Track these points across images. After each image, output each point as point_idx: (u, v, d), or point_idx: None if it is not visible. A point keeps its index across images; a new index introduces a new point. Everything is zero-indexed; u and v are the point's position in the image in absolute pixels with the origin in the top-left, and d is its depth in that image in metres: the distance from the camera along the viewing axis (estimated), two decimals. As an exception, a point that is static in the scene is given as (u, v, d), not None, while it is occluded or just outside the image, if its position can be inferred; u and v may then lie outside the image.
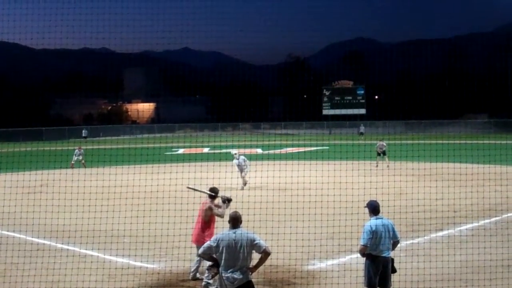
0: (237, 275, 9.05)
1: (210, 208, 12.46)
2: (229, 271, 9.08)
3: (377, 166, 36.19)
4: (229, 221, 9.58)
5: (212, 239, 9.59)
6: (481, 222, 17.96)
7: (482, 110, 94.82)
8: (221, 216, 12.27)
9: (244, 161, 27.64)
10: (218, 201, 12.81)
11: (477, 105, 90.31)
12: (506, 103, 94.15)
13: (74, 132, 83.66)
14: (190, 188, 13.13)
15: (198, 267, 12.71)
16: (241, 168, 27.35)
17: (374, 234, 9.98)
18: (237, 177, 27.14)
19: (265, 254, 9.27)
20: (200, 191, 12.98)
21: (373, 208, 10.40)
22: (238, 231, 9.34)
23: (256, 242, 9.22)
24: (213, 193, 12.88)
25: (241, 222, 9.60)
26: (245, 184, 26.89)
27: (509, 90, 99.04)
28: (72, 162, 39.88)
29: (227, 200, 12.57)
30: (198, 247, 11.89)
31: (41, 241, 16.07)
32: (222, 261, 9.16)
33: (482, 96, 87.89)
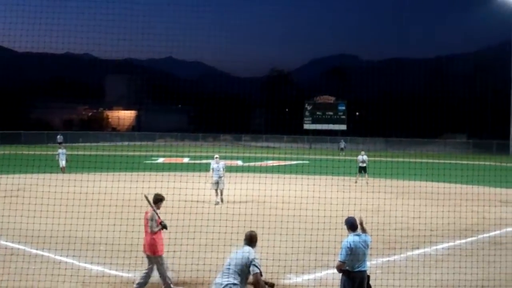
0: None
1: (151, 217, 12.53)
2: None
3: (356, 182, 36.16)
4: (245, 239, 9.78)
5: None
6: (457, 242, 18.06)
7: (461, 131, 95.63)
8: (152, 229, 12.39)
9: (223, 169, 27.42)
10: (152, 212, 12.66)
11: (457, 125, 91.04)
12: (485, 124, 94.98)
13: (53, 136, 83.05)
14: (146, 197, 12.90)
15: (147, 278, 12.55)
16: (218, 175, 26.98)
17: (352, 251, 10.01)
18: (208, 185, 26.95)
19: (254, 278, 9.34)
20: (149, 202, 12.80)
21: (351, 225, 10.44)
22: (246, 248, 9.52)
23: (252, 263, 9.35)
24: (159, 200, 12.99)
25: (256, 241, 9.77)
26: (221, 200, 26.55)
27: (488, 112, 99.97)
28: (63, 166, 39.75)
29: (163, 226, 12.51)
30: (150, 257, 11.94)
31: (15, 245, 15.95)
32: None
33: (461, 116, 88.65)
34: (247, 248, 9.59)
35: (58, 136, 74.09)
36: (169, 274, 12.59)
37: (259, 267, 9.35)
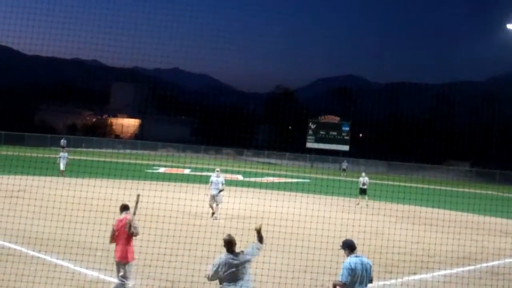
0: None
1: (129, 222, 12.25)
2: None
3: (357, 204, 35.98)
4: (224, 245, 9.71)
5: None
6: (456, 270, 17.97)
7: (465, 158, 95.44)
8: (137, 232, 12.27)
9: (222, 183, 27.22)
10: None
11: (460, 153, 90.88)
12: (489, 154, 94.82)
13: (56, 140, 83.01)
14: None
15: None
16: (216, 189, 26.75)
17: (353, 272, 9.87)
18: (207, 197, 26.81)
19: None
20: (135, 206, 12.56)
21: (350, 246, 10.30)
22: (238, 256, 9.51)
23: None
24: (126, 209, 12.78)
25: (235, 244, 9.70)
26: (213, 214, 26.26)
27: (493, 141, 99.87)
28: (62, 169, 39.78)
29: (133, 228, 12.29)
30: (122, 264, 11.83)
31: (13, 246, 15.90)
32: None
33: (466, 144, 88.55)
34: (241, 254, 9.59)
35: (62, 140, 73.97)
36: (131, 282, 12.41)
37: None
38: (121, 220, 12.40)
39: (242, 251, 9.80)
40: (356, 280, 9.88)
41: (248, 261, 9.54)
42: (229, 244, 9.64)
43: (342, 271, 9.92)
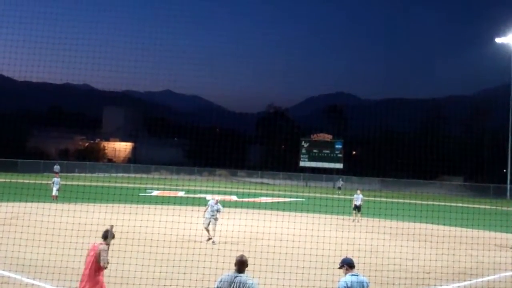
0: None
1: (102, 251, 11.40)
2: None
3: (353, 220, 35.82)
4: (235, 264, 9.53)
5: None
6: (451, 286, 17.93)
7: (458, 173, 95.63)
8: (105, 265, 11.43)
9: (218, 211, 26.88)
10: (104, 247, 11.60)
11: (453, 168, 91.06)
12: (481, 168, 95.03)
13: (49, 166, 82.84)
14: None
15: None
16: (213, 216, 26.52)
17: (349, 291, 9.78)
18: (203, 222, 26.62)
19: None
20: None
21: (349, 264, 10.23)
22: (239, 277, 9.29)
23: None
24: (105, 236, 11.80)
25: (246, 266, 9.52)
26: (209, 239, 25.98)
27: (485, 155, 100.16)
28: (55, 194, 39.59)
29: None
30: None
31: (7, 273, 15.78)
32: None
33: (458, 159, 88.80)
34: (244, 275, 9.45)
35: (55, 166, 73.78)
36: None
37: None
38: (95, 246, 11.60)
39: (252, 277, 9.67)
40: (353, 299, 9.81)
41: (251, 284, 9.36)
42: (240, 264, 9.55)
43: None
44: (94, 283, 11.34)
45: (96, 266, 11.39)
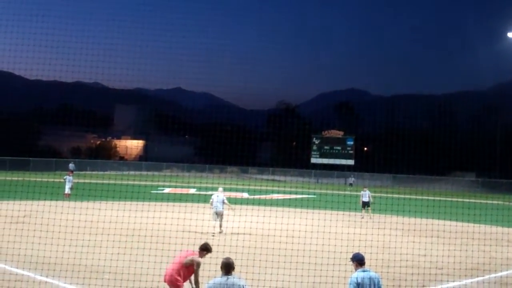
0: None
1: (198, 264, 11.80)
2: None
3: (362, 217, 35.74)
4: (222, 268, 9.46)
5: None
6: (464, 281, 17.87)
7: (470, 169, 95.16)
8: (195, 280, 11.81)
9: (223, 202, 26.87)
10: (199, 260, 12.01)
11: (465, 164, 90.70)
12: (494, 163, 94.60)
13: (61, 164, 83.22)
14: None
15: None
16: (215, 210, 26.49)
17: (360, 286, 9.77)
18: (209, 213, 26.60)
19: None
20: None
21: (359, 260, 10.22)
22: (231, 278, 9.24)
23: None
24: (205, 250, 12.32)
25: (233, 268, 9.47)
26: (213, 234, 25.99)
27: (497, 151, 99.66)
28: (68, 192, 39.62)
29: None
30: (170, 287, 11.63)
31: (20, 271, 15.86)
32: None
33: (470, 154, 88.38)
34: (231, 277, 9.39)
35: (70, 164, 74.08)
36: None
37: None
38: (190, 252, 12.09)
39: (240, 278, 9.64)
40: (364, 295, 9.79)
41: (244, 286, 9.32)
42: (228, 267, 9.49)
43: (349, 286, 9.85)
44: (174, 278, 11.60)
45: (182, 266, 11.72)
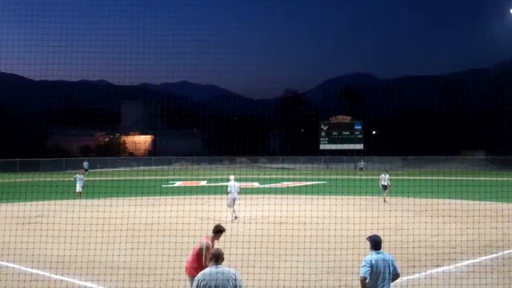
0: None
1: (206, 248, 11.58)
2: None
3: (384, 201, 35.42)
4: (211, 258, 9.39)
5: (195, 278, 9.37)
6: (479, 259, 17.86)
7: (479, 147, 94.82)
8: (205, 263, 11.43)
9: (238, 190, 27.36)
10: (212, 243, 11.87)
11: (474, 142, 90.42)
12: (503, 140, 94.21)
13: (71, 163, 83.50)
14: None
15: None
16: (233, 196, 26.92)
17: (374, 268, 9.75)
18: (226, 206, 26.90)
19: None
20: None
21: (375, 243, 10.19)
22: (220, 267, 9.17)
23: (237, 281, 9.05)
24: (219, 231, 12.13)
25: (223, 259, 9.39)
26: (235, 217, 26.40)
27: (506, 127, 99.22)
28: (79, 191, 39.61)
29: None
30: (190, 278, 11.66)
31: (36, 271, 15.95)
32: None
33: (479, 133, 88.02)
34: (221, 267, 9.31)
35: (85, 162, 74.21)
36: None
37: None
38: (204, 237, 12.07)
39: (230, 267, 9.55)
40: (379, 276, 9.79)
41: (234, 280, 9.20)
42: (217, 257, 9.40)
43: (362, 267, 9.85)
44: (192, 268, 11.60)
45: (197, 253, 11.73)
